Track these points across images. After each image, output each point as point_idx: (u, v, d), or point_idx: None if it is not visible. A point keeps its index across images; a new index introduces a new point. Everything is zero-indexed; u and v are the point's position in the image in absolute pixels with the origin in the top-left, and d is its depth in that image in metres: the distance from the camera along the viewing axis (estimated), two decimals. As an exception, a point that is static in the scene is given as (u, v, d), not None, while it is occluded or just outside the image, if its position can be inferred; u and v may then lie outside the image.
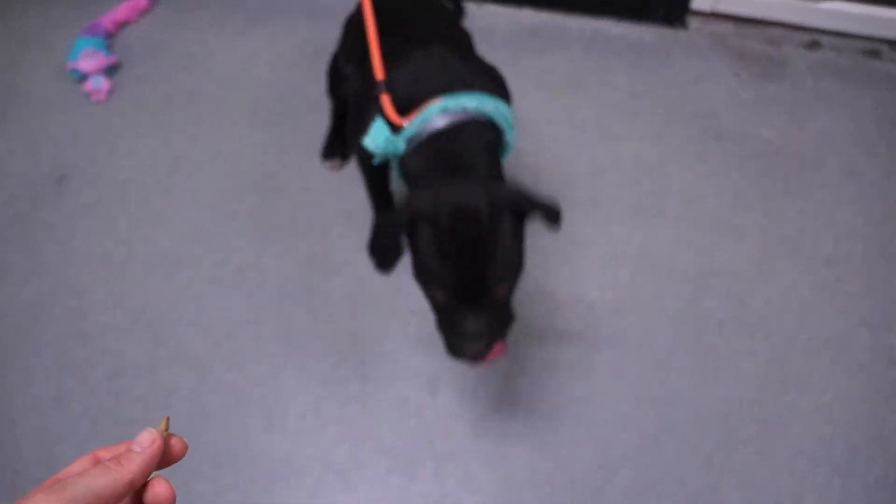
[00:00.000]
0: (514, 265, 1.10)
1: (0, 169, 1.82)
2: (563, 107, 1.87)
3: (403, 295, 1.59)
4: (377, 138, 1.16)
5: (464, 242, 1.03)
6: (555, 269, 1.62)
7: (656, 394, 1.46)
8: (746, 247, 1.65)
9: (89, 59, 1.87)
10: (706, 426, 1.43)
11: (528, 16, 2.05)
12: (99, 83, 1.88)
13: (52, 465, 1.39)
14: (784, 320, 1.55)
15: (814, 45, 1.95)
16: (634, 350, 1.52)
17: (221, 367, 1.52)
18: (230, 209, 1.73)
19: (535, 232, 1.64)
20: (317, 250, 1.67)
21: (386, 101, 1.17)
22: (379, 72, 1.21)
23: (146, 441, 0.54)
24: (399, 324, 1.55)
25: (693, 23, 1.98)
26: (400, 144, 1.16)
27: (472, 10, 2.06)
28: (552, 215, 1.09)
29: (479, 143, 1.15)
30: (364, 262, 1.64)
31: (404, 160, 1.18)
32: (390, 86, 1.19)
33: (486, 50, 1.93)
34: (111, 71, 1.93)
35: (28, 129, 1.89)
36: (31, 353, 1.56)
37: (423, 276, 1.10)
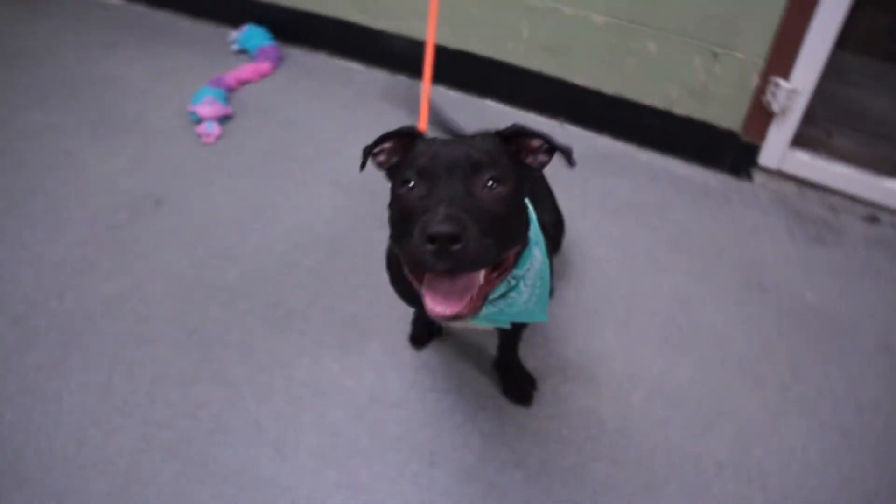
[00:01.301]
0: (505, 170, 1.05)
1: (112, 182, 2.09)
2: (619, 230, 1.99)
3: (430, 370, 1.71)
4: None
5: (449, 141, 1.09)
6: (572, 375, 1.71)
7: (641, 516, 1.51)
8: (763, 397, 1.69)
9: (208, 106, 2.15)
10: (684, 560, 1.46)
11: (605, 142, 2.22)
12: (211, 128, 2.15)
13: (84, 444, 1.57)
14: (785, 476, 1.57)
15: (873, 220, 2.01)
16: (630, 470, 1.57)
17: (251, 395, 1.67)
18: (295, 259, 1.92)
19: (556, 340, 1.76)
20: (360, 314, 1.82)
21: None
22: (422, 123, 1.34)
23: None
24: (417, 395, 1.67)
25: (758, 177, 2.09)
26: None
27: (554, 129, 2.24)
28: (554, 145, 1.11)
29: None
30: (398, 334, 1.78)
31: None
32: None
33: (558, 166, 2.10)
34: (224, 120, 2.20)
35: (143, 153, 2.16)
36: (93, 341, 1.75)
37: (398, 182, 1.07)
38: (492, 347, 1.75)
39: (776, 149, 2.02)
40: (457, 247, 0.93)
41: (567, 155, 1.14)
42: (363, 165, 1.17)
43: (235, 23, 2.64)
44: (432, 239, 0.92)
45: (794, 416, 1.67)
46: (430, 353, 1.75)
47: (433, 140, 1.10)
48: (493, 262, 1.03)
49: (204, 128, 2.15)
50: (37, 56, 2.57)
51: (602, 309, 1.83)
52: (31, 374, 1.70)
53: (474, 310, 1.02)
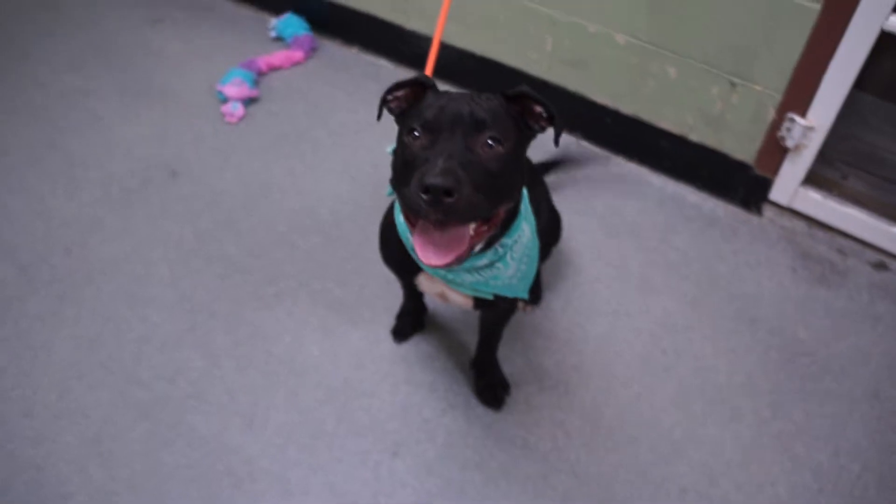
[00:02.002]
0: (505, 130, 1.10)
1: (132, 148, 2.16)
2: (617, 249, 1.98)
3: (407, 364, 1.72)
4: None
5: (456, 95, 1.12)
6: (548, 385, 1.69)
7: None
8: (739, 429, 1.65)
9: (235, 87, 2.21)
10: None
11: (618, 162, 2.20)
12: (236, 108, 2.20)
13: (64, 394, 1.62)
14: (749, 511, 1.54)
15: (881, 266, 1.96)
16: (591, 485, 1.54)
17: (230, 365, 1.69)
18: (293, 240, 1.95)
19: (536, 349, 1.75)
20: (348, 301, 1.83)
21: None
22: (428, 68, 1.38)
23: None
24: (390, 386, 1.68)
25: (768, 212, 2.05)
26: None
27: (569, 144, 2.24)
28: (552, 114, 1.15)
29: None
30: (382, 325, 1.79)
31: None
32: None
33: (567, 179, 2.11)
34: (249, 102, 2.25)
35: (166, 125, 2.22)
36: (89, 298, 1.81)
37: (405, 128, 1.11)
38: (471, 347, 1.75)
39: (788, 185, 1.98)
40: (450, 200, 0.97)
41: (558, 132, 1.17)
42: (379, 115, 1.23)
43: (277, 10, 2.69)
44: (427, 189, 0.97)
45: (768, 452, 1.63)
46: (409, 347, 1.76)
47: (442, 94, 1.14)
48: (484, 216, 1.07)
49: (229, 107, 2.21)
50: (82, 24, 2.66)
51: (586, 324, 1.82)
52: (28, 321, 1.76)
53: (460, 260, 1.07)
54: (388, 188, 1.22)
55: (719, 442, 1.64)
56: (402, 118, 1.19)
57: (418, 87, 1.19)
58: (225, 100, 2.23)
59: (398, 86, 1.19)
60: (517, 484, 1.55)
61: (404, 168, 1.08)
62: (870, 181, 2.07)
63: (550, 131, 1.18)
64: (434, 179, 0.96)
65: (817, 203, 1.98)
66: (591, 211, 2.07)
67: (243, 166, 2.13)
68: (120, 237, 1.94)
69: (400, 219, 1.25)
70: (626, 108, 2.11)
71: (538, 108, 1.16)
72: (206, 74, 2.40)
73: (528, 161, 1.72)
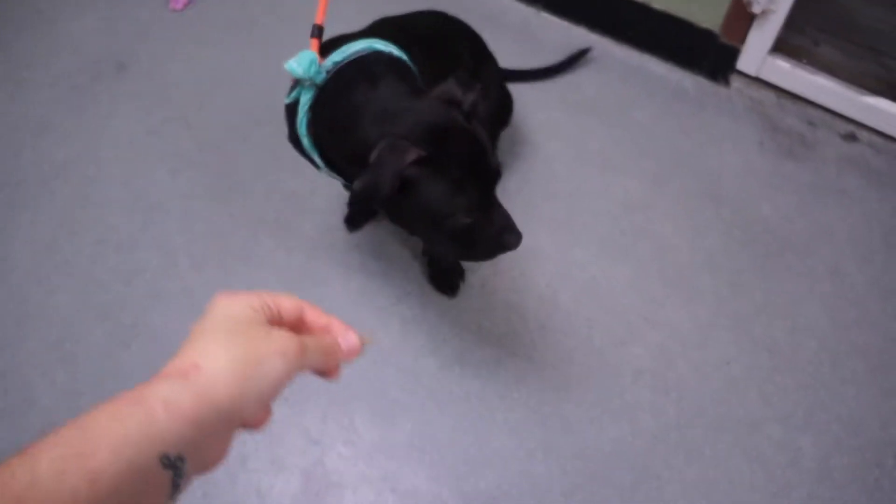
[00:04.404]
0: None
1: (78, 44, 1.98)
2: (576, 126, 1.83)
3: (360, 252, 1.63)
4: (303, 62, 1.13)
5: (466, 154, 1.03)
6: (503, 269, 1.62)
7: (547, 412, 1.44)
8: (697, 309, 1.58)
9: (178, -28, 2.02)
10: (584, 460, 1.40)
11: (580, 34, 2.01)
12: (180, -7, 2.02)
13: (25, 300, 1.56)
14: (703, 390, 1.49)
15: (850, 137, 1.82)
16: (546, 369, 1.50)
17: (186, 263, 1.62)
18: (245, 132, 1.81)
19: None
20: (301, 192, 1.72)
21: (314, 43, 1.18)
22: (319, 17, 1.20)
23: (354, 346, 0.54)
24: (344, 274, 1.60)
25: (736, 82, 1.89)
26: (321, 74, 1.14)
27: (529, 16, 2.05)
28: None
29: (392, 59, 1.17)
30: (335, 213, 1.69)
31: (322, 88, 1.16)
32: (319, 34, 1.19)
33: (529, 53, 1.95)
34: (194, -14, 2.07)
35: (111, 15, 2.04)
36: (43, 203, 1.71)
37: (437, 214, 1.04)
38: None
39: (756, 54, 1.80)
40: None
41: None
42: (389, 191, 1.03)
43: None
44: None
45: (725, 332, 1.56)
46: (363, 235, 1.66)
47: (442, 164, 1.01)
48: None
49: (173, -7, 2.03)
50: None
51: (543, 205, 1.71)
52: (-22, 228, 1.68)
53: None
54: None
55: (676, 323, 1.57)
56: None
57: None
58: (169, -14, 2.04)
59: (383, 186, 1.00)
60: (471, 368, 1.50)
61: (458, 240, 1.09)
62: (843, 48, 1.88)
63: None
64: (517, 240, 1.10)
65: (787, 72, 1.82)
66: (549, 86, 1.91)
67: (193, 56, 1.96)
68: (71, 138, 1.81)
69: (306, 137, 1.21)
70: (589, -24, 1.92)
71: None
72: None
73: (475, 35, 1.58)
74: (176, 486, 0.40)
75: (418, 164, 0.99)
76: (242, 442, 1.39)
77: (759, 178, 1.77)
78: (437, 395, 1.46)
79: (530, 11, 2.05)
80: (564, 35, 2.01)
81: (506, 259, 1.62)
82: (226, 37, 2.00)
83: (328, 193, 1.71)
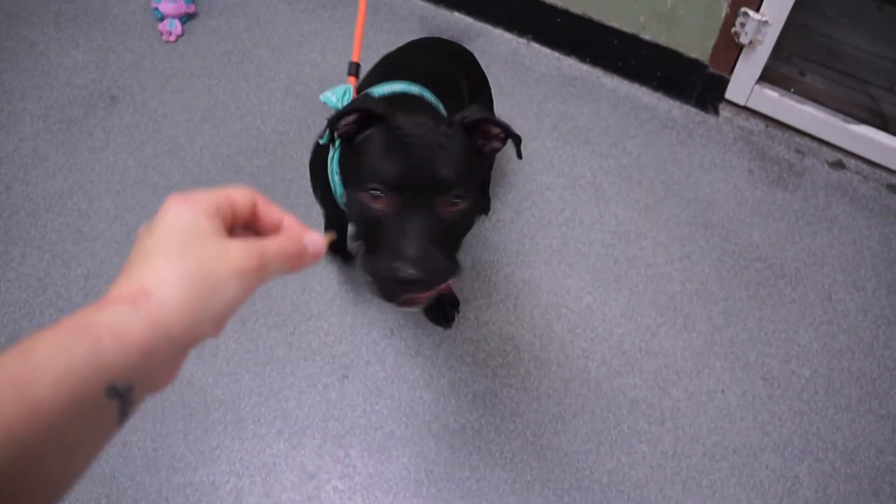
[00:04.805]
0: (469, 181, 0.99)
1: (70, 76, 1.97)
2: (568, 156, 1.84)
3: (355, 284, 1.62)
4: (338, 93, 1.12)
5: (415, 138, 0.97)
6: (498, 300, 1.61)
7: (543, 444, 1.43)
8: (691, 338, 1.58)
9: (171, 4, 2.00)
10: (581, 491, 1.39)
11: (570, 64, 2.03)
12: (173, 26, 2.00)
13: (15, 336, 1.53)
14: (699, 418, 1.48)
15: (838, 165, 1.83)
16: (541, 399, 1.49)
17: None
18: (238, 164, 1.81)
19: (486, 264, 1.66)
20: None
21: (351, 80, 1.19)
22: (355, 54, 1.23)
23: (320, 248, 0.50)
24: (339, 307, 1.59)
25: (724, 112, 1.90)
26: None
27: (519, 47, 2.06)
28: (511, 135, 1.04)
29: (425, 103, 1.20)
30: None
31: None
32: (356, 72, 1.21)
33: (518, 84, 1.96)
34: (186, 18, 2.06)
35: (103, 48, 2.02)
36: (35, 236, 1.69)
37: (360, 178, 0.98)
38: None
39: (744, 83, 1.81)
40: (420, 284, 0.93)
41: (518, 147, 1.08)
42: (332, 138, 1.04)
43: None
44: (401, 279, 0.92)
45: (720, 360, 1.56)
46: (356, 268, 1.66)
47: (396, 130, 0.98)
48: (450, 276, 0.99)
49: (166, 25, 2.01)
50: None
51: (537, 235, 1.71)
52: (-32, 262, 1.66)
53: (448, 287, 1.03)
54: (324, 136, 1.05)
55: (671, 352, 1.56)
56: (349, 143, 1.03)
57: (368, 113, 1.01)
58: (161, 17, 2.03)
59: (346, 112, 0.99)
60: (467, 400, 1.49)
61: (367, 228, 0.99)
62: (828, 76, 1.90)
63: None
64: (408, 272, 0.91)
65: (774, 101, 1.83)
66: (541, 116, 1.91)
67: (185, 89, 1.96)
68: (63, 171, 1.80)
69: (336, 177, 1.18)
70: (576, 7, 1.92)
71: (495, 130, 1.04)
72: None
73: (472, 57, 1.60)
74: (123, 415, 0.38)
75: (377, 122, 0.99)
76: (237, 475, 1.39)
77: (750, 206, 1.78)
78: (433, 428, 1.45)
79: (520, 42, 2.06)
80: (554, 65, 2.02)
81: (500, 289, 1.63)
82: (218, 68, 2.00)
83: (321, 226, 1.70)
